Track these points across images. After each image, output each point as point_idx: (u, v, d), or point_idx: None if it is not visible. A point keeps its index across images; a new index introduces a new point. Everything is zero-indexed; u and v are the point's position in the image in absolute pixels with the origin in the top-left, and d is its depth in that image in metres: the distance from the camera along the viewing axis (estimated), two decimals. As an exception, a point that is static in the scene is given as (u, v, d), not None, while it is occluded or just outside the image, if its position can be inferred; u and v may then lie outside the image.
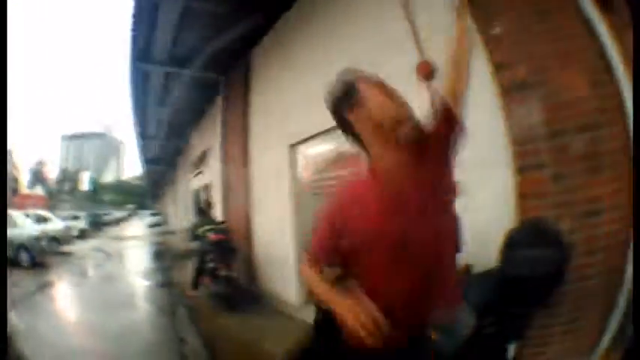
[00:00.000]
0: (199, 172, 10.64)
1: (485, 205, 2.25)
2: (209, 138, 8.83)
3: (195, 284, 5.75)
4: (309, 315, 3.88)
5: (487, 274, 1.93)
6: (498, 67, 2.26)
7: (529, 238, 1.90)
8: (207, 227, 5.88)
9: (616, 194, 2.09)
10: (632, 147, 2.06)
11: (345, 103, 1.17)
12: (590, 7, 2.17)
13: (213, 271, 5.34)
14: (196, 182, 11.21)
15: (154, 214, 32.18)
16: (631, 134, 2.06)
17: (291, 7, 4.62)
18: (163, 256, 11.16)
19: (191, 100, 8.29)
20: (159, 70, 6.52)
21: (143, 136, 11.70)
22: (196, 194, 11.28)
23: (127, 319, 4.76)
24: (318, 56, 4.16)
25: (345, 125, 1.21)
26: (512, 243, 1.89)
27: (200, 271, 5.66)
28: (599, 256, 2.09)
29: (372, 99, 1.14)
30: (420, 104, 2.59)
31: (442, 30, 2.66)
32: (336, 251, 1.21)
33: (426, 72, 2.70)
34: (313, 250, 1.29)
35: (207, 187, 9.41)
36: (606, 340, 2.13)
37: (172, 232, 18.47)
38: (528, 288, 1.80)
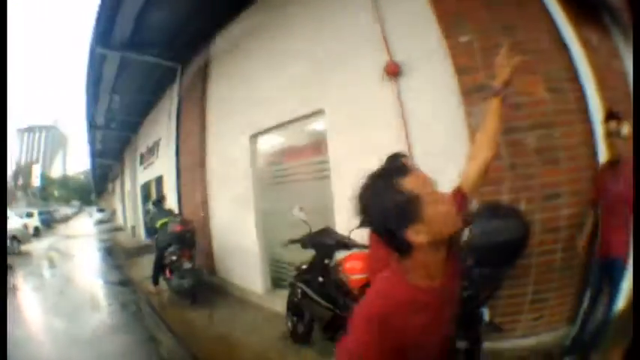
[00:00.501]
0: (150, 164, 10.22)
1: (444, 189, 2.44)
2: (161, 128, 8.47)
3: (157, 280, 5.56)
4: (275, 302, 3.98)
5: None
6: (460, 71, 2.53)
7: (489, 213, 2.11)
8: (166, 219, 5.68)
9: (574, 182, 2.41)
10: (595, 143, 2.39)
11: (404, 221, 0.97)
12: (564, 26, 2.50)
13: (175, 265, 5.16)
14: (146, 175, 10.76)
15: (100, 210, 30.53)
16: (594, 133, 2.40)
17: (256, 1, 4.57)
18: (116, 254, 10.60)
19: (145, 89, 8.00)
20: (118, 55, 6.19)
21: (93, 125, 11.05)
22: (146, 187, 10.81)
23: (97, 322, 4.48)
24: (280, 49, 4.16)
25: (395, 241, 1.01)
26: (476, 218, 2.08)
27: (161, 266, 5.47)
28: (562, 234, 2.38)
29: (435, 213, 0.96)
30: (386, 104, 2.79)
31: (409, 33, 2.88)
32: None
33: (394, 72, 2.88)
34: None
35: (160, 179, 9.06)
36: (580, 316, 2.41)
37: (121, 229, 17.60)
38: (493, 255, 1.99)
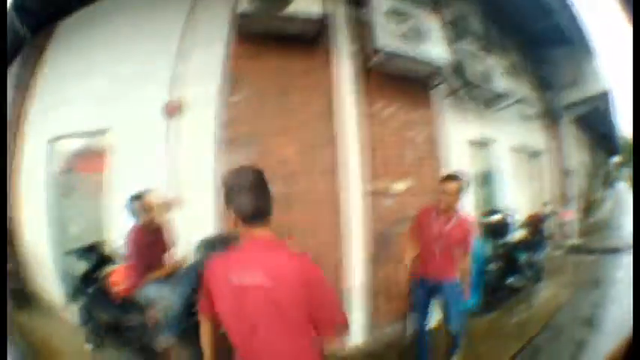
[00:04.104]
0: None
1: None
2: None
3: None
4: (72, 315, 3.83)
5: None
6: (223, 125, 2.99)
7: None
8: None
9: (309, 221, 2.98)
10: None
11: None
12: (342, 98, 3.07)
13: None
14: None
15: None
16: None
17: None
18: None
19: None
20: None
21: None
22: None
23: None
24: (93, 58, 4.17)
25: None
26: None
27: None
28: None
29: None
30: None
31: (199, 79, 3.18)
32: None
33: (172, 110, 3.19)
34: None
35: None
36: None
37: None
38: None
